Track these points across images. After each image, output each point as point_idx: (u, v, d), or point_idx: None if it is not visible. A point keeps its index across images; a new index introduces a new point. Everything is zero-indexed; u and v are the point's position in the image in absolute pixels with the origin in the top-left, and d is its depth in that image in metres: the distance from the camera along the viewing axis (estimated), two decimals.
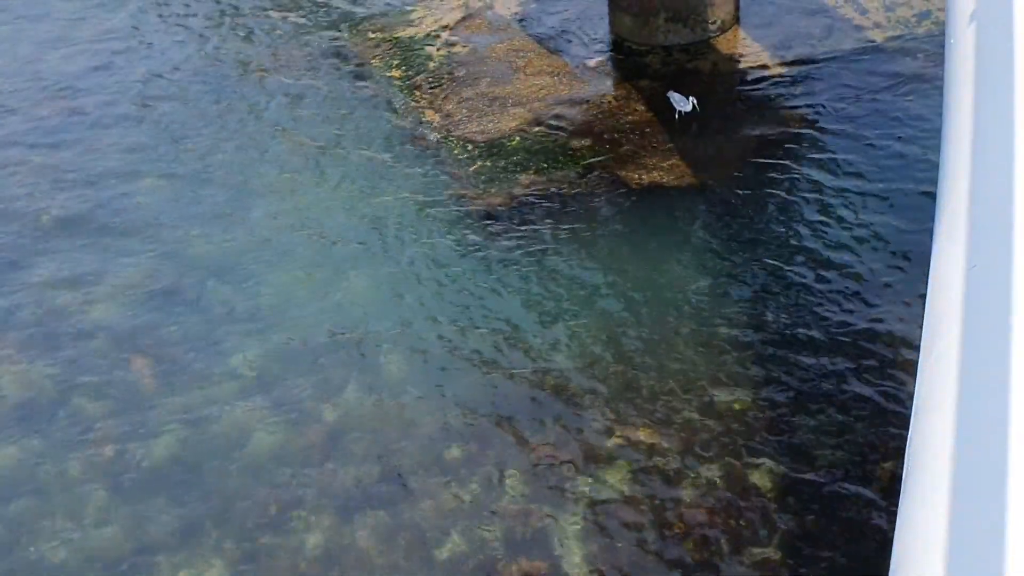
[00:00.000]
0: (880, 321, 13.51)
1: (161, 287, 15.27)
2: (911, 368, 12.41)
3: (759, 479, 11.98)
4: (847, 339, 13.37)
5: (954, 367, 6.08)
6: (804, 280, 14.22)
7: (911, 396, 6.73)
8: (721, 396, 12.85)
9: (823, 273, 14.27)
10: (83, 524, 12.40)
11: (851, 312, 13.72)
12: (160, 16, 21.09)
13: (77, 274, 15.61)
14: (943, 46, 9.05)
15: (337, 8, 20.55)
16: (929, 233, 7.52)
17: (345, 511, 12.22)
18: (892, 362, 12.98)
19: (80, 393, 13.91)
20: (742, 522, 11.60)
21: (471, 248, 15.36)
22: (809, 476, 11.96)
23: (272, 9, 20.81)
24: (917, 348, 6.89)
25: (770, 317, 13.79)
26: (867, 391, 12.73)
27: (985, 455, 5.55)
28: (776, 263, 14.52)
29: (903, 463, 6.39)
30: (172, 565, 11.89)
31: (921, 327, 6.79)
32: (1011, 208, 6.58)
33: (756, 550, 11.32)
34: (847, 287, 14.03)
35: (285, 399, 13.54)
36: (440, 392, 13.40)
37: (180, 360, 14.18)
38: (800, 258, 14.55)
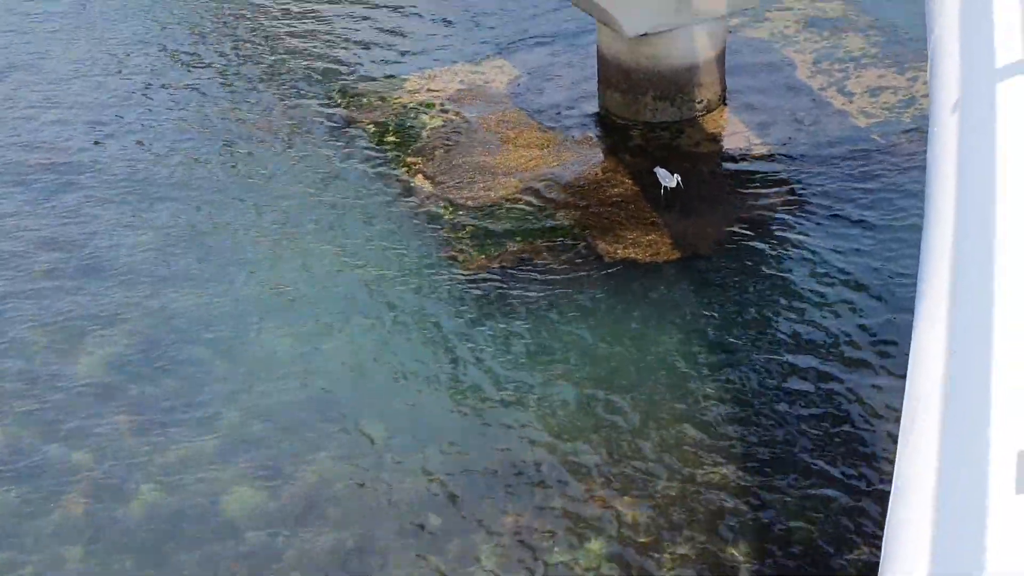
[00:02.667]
0: (856, 398, 13.60)
1: (144, 344, 15.27)
2: (888, 446, 12.49)
3: (734, 554, 11.97)
4: (823, 415, 13.44)
5: (934, 450, 6.15)
6: (780, 357, 14.33)
7: (887, 474, 6.80)
8: (697, 469, 12.87)
9: (798, 351, 14.38)
10: None
11: (826, 389, 13.81)
12: (158, 80, 21.26)
13: (63, 326, 15.60)
14: (926, 132, 9.25)
15: (332, 74, 20.80)
16: (906, 313, 7.64)
17: None
18: (869, 439, 13.05)
19: (59, 447, 13.84)
20: None
21: (454, 313, 15.43)
22: (784, 554, 11.95)
23: (267, 73, 21.03)
24: (895, 425, 6.96)
25: (744, 393, 13.86)
26: (843, 469, 12.78)
27: (964, 538, 5.61)
28: (751, 341, 14.63)
29: (880, 547, 6.43)
30: None
31: (898, 410, 6.87)
32: (991, 295, 6.70)
33: None
34: (822, 366, 14.14)
35: (263, 461, 13.49)
36: (419, 458, 13.38)
37: (160, 418, 14.13)
38: (776, 337, 14.66)
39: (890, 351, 14.07)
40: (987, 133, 7.88)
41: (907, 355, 7.13)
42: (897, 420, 7.01)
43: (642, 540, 12.21)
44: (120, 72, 21.35)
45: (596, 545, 12.21)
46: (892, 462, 6.79)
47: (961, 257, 7.14)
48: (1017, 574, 5.25)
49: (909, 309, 7.88)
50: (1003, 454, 5.86)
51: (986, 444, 5.79)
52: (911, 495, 6.12)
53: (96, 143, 19.39)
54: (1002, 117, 7.92)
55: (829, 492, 12.54)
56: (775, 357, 14.36)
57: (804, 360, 14.28)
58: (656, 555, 12.03)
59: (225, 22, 22.81)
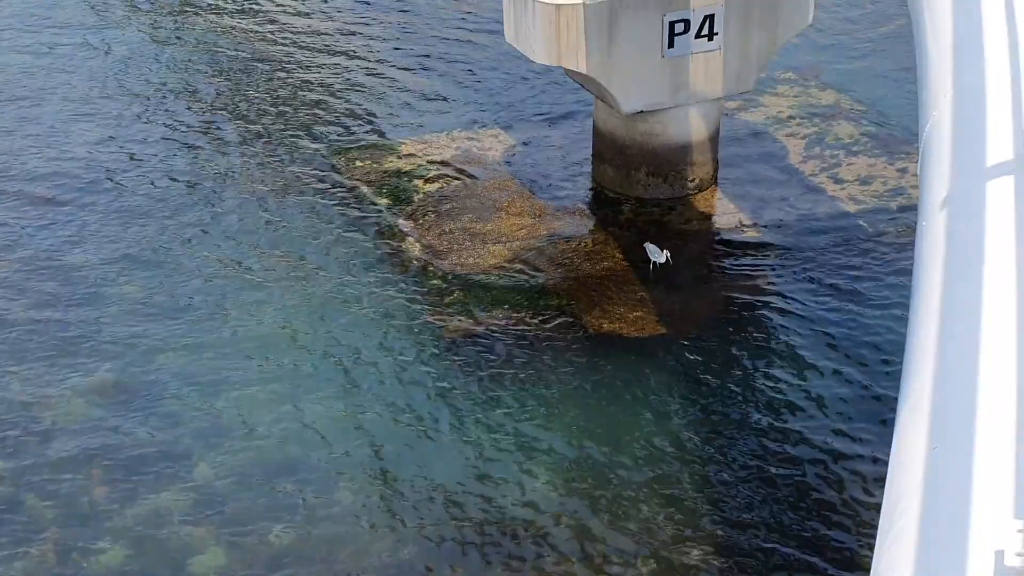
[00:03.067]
0: (836, 487, 13.56)
1: (124, 396, 15.18)
2: (866, 538, 12.44)
3: None
4: (801, 503, 13.39)
5: (912, 548, 6.14)
6: (759, 445, 14.30)
7: (866, 568, 6.77)
8: (671, 550, 12.78)
9: (778, 439, 14.36)
10: None
11: (805, 476, 13.77)
12: (161, 131, 21.37)
13: (42, 377, 15.53)
14: (914, 223, 9.33)
15: (328, 133, 20.93)
16: (888, 404, 7.66)
17: None
18: (848, 527, 12.99)
19: (32, 498, 13.69)
20: None
21: (435, 378, 15.40)
22: None
23: (262, 129, 21.15)
24: (874, 524, 6.95)
25: (721, 476, 13.81)
26: (821, 559, 12.71)
27: None
28: (732, 423, 14.61)
29: None
30: None
31: (877, 503, 6.87)
32: (975, 393, 6.73)
33: None
34: (802, 453, 14.12)
35: (234, 519, 13.36)
36: (391, 525, 13.27)
37: (133, 471, 14.00)
38: (758, 421, 14.65)
39: (872, 440, 14.06)
40: (975, 231, 7.95)
41: (890, 445, 7.14)
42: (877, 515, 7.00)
43: None
44: (113, 121, 21.46)
45: None
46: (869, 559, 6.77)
47: (945, 356, 7.17)
48: None
49: (893, 398, 7.89)
50: (980, 555, 5.86)
51: (964, 549, 5.79)
52: None
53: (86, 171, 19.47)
54: (991, 216, 8.00)
55: None
56: (756, 441, 14.33)
57: (784, 446, 14.25)
58: None
59: (221, 76, 22.97)
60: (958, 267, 7.85)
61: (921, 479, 6.49)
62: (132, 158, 20.40)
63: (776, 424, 14.56)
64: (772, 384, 15.24)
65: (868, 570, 6.55)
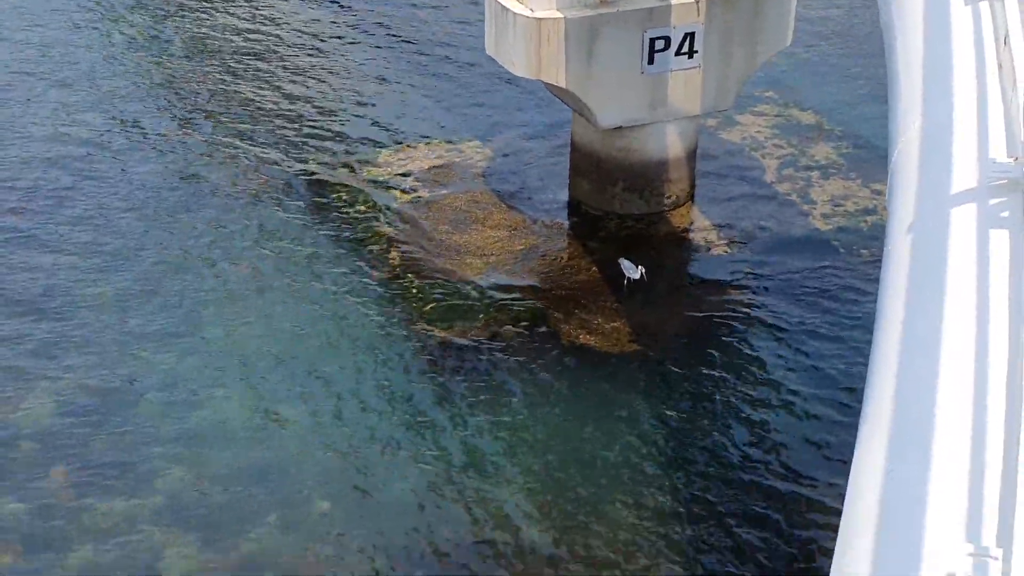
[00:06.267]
0: (806, 502, 13.69)
1: (95, 400, 15.17)
2: (827, 553, 12.54)
3: None
4: (768, 518, 13.50)
5: (867, 570, 6.24)
6: (731, 457, 14.41)
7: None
8: (637, 558, 12.86)
9: (750, 452, 14.48)
10: None
11: (775, 488, 13.89)
12: (138, 139, 21.37)
13: (12, 374, 15.51)
14: (883, 249, 9.47)
15: (309, 140, 20.96)
16: (855, 419, 7.75)
17: None
18: (815, 546, 13.10)
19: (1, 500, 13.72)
20: None
21: (411, 386, 15.46)
22: None
23: (244, 133, 21.17)
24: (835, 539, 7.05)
25: (691, 491, 13.91)
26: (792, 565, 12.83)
27: None
28: (703, 439, 14.72)
29: None
30: None
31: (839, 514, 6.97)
32: (932, 418, 6.84)
33: None
34: (772, 464, 14.24)
35: (205, 523, 13.36)
36: (364, 533, 13.30)
37: (100, 475, 13.99)
38: (728, 436, 14.77)
39: (839, 452, 14.19)
40: (939, 257, 8.08)
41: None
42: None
43: None
44: (94, 118, 21.44)
45: None
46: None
47: (905, 380, 7.29)
48: None
49: (857, 412, 7.98)
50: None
51: (917, 570, 5.89)
52: None
53: (65, 187, 19.44)
54: (955, 242, 8.13)
55: None
56: (727, 452, 14.44)
57: (755, 457, 14.36)
58: None
59: (205, 80, 22.98)
60: (921, 291, 7.97)
61: (877, 502, 6.60)
62: (105, 157, 20.37)
63: (748, 437, 14.69)
64: (744, 397, 15.36)
65: None
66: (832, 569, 6.71)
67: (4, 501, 13.67)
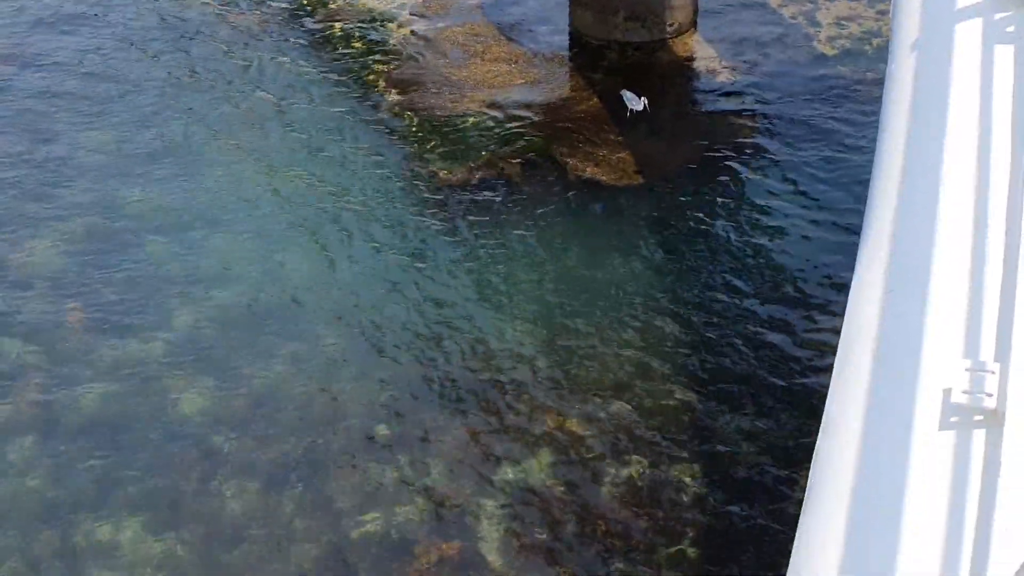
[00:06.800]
0: (810, 325, 13.83)
1: (102, 241, 15.24)
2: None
3: (678, 475, 12.24)
4: (775, 341, 13.67)
5: (863, 386, 6.34)
6: (738, 284, 14.50)
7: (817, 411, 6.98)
8: (647, 389, 13.09)
9: (756, 278, 14.55)
10: (8, 471, 12.43)
11: (781, 317, 14.02)
12: None
13: (17, 222, 15.56)
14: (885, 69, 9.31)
15: None
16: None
17: (267, 481, 12.31)
18: (817, 367, 13.29)
19: (8, 341, 13.89)
20: (660, 517, 11.87)
21: (416, 223, 15.47)
22: (730, 475, 12.24)
23: None
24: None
25: (700, 318, 14.05)
26: (791, 395, 13.04)
27: (887, 474, 5.81)
28: (710, 267, 14.78)
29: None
30: (93, 518, 11.92)
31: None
32: (932, 237, 6.85)
33: (672, 548, 11.60)
34: (778, 291, 14.34)
35: (215, 363, 13.57)
36: (372, 370, 13.50)
37: (113, 315, 14.16)
38: (735, 264, 14.82)
39: (845, 275, 14.28)
40: (942, 73, 7.96)
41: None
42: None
43: (590, 459, 12.45)
44: None
45: (543, 463, 12.45)
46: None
47: (907, 199, 7.26)
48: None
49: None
50: (929, 393, 6.05)
51: (914, 387, 5.97)
52: (839, 434, 6.30)
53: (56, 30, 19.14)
54: (958, 58, 8.00)
55: (777, 418, 12.81)
56: (732, 279, 14.52)
57: (757, 285, 14.45)
58: (603, 474, 12.28)
59: None
60: (923, 110, 7.88)
61: (875, 320, 6.66)
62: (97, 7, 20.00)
63: (754, 263, 14.77)
64: (750, 223, 15.38)
65: (820, 414, 6.76)
66: (830, 389, 6.81)
67: (16, 344, 13.87)
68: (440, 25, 19.22)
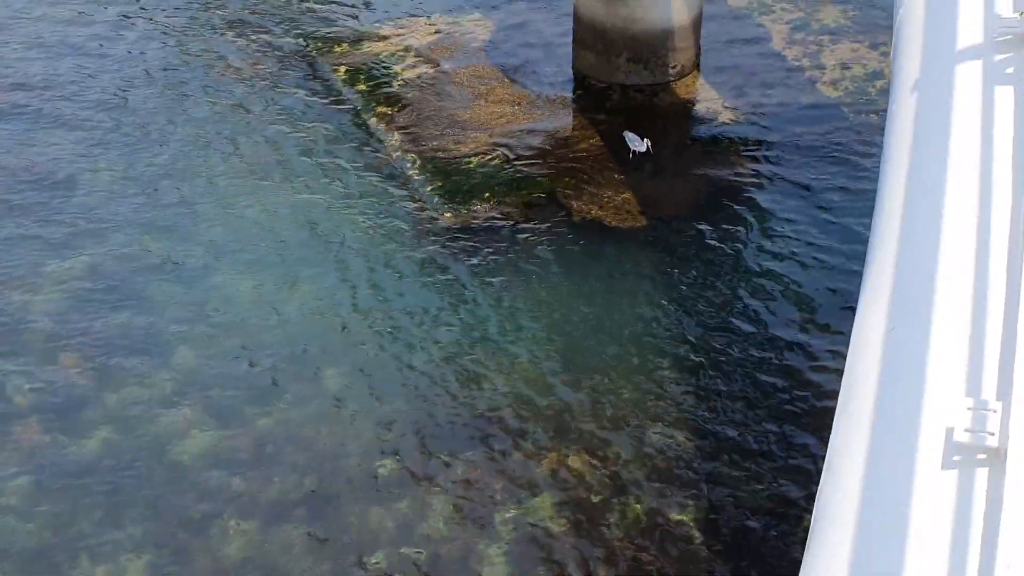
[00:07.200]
0: (813, 364, 13.81)
1: (105, 282, 15.27)
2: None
3: (682, 519, 12.18)
4: (778, 384, 13.65)
5: (867, 423, 6.32)
6: (740, 327, 14.50)
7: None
8: (650, 431, 13.06)
9: (758, 321, 14.55)
10: (8, 513, 12.37)
11: (782, 360, 14.00)
12: (141, 20, 21.10)
13: (21, 264, 15.60)
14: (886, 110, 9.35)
15: (306, 18, 20.67)
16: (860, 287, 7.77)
17: (269, 521, 12.26)
18: (819, 409, 13.25)
19: (12, 379, 13.89)
20: (664, 551, 11.80)
21: (419, 265, 15.50)
22: (731, 517, 12.18)
23: (238, 14, 20.87)
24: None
25: (701, 359, 14.03)
26: (792, 439, 13.01)
27: (890, 513, 5.79)
28: (712, 310, 14.78)
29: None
30: (95, 556, 11.86)
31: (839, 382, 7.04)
32: (934, 275, 6.85)
33: None
34: (781, 334, 14.32)
35: (216, 403, 13.56)
36: (376, 408, 13.49)
37: (116, 357, 14.16)
38: (737, 306, 14.82)
39: (845, 320, 14.27)
40: (943, 114, 8.00)
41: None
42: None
43: (593, 498, 12.39)
44: (94, 11, 21.17)
45: (546, 499, 12.40)
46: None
47: (908, 236, 7.28)
48: None
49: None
50: (932, 431, 6.03)
51: (917, 425, 5.95)
52: (844, 469, 6.28)
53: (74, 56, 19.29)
54: (959, 99, 8.04)
55: (779, 462, 12.76)
56: (734, 322, 14.52)
57: (761, 328, 14.44)
58: (606, 512, 12.23)
59: None
60: (924, 149, 7.91)
61: (878, 359, 6.66)
62: (104, 46, 20.16)
63: (760, 296, 14.80)
64: (754, 259, 15.40)
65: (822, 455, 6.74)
66: (833, 427, 6.80)
67: (21, 383, 13.86)
68: (445, 68, 19.36)
